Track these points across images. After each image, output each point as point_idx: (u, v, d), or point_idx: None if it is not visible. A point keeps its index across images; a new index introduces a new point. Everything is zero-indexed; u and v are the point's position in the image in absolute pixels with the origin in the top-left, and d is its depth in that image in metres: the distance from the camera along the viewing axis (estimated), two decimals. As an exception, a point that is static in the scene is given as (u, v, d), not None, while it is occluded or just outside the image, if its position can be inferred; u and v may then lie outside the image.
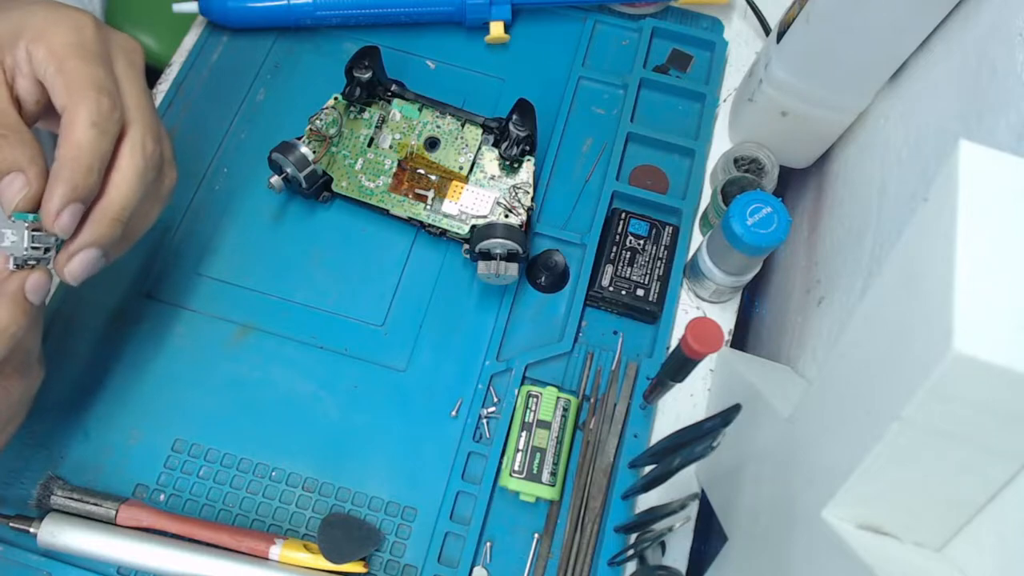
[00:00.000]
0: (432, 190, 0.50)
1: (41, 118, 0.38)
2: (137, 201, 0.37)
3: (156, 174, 0.38)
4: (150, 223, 0.40)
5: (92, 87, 0.34)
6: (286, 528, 0.45)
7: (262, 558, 0.43)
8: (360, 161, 0.51)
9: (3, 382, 0.37)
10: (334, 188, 0.51)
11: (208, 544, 0.43)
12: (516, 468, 0.45)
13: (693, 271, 0.50)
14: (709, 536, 0.54)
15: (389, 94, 0.52)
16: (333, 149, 0.51)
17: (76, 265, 0.35)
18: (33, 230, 0.34)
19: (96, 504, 0.43)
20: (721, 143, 0.57)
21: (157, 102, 0.56)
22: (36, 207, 0.34)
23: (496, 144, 0.51)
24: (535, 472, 0.45)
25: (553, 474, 0.45)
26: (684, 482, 0.45)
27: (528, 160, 0.50)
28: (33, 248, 0.34)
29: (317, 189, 0.51)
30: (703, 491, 0.45)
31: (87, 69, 0.34)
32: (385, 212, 0.51)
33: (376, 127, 0.52)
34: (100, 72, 0.35)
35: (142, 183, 0.37)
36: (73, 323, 0.49)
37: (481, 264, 0.47)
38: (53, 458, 0.46)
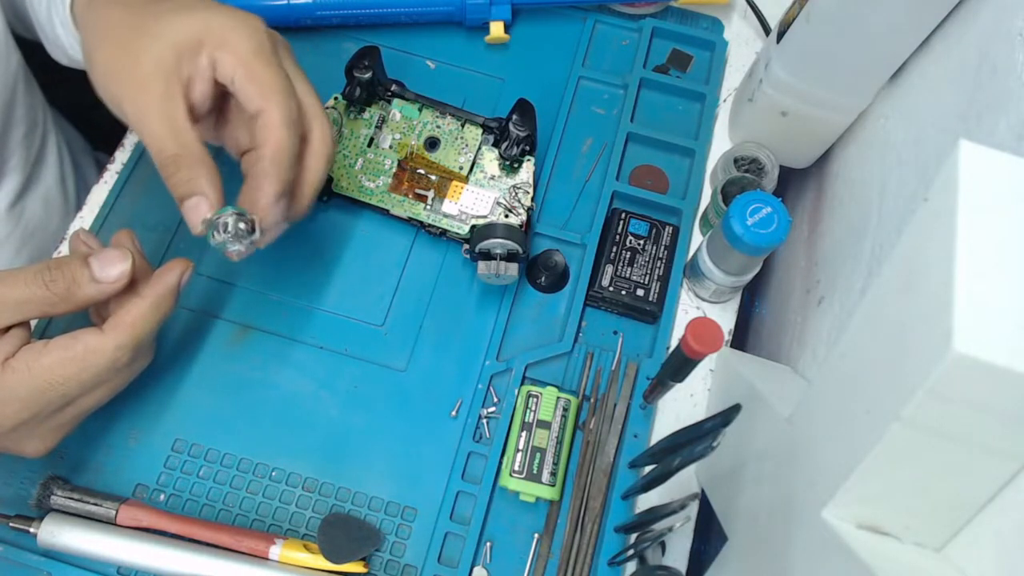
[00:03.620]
0: (432, 190, 0.50)
1: (207, 117, 0.41)
2: (319, 188, 0.42)
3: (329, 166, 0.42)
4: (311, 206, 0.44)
5: (281, 92, 0.38)
6: (286, 528, 0.45)
7: (262, 558, 0.43)
8: (360, 161, 0.51)
9: (140, 360, 0.42)
10: (334, 188, 0.51)
11: (208, 544, 0.43)
12: (516, 468, 0.45)
13: (693, 271, 0.50)
14: (709, 536, 0.54)
15: (389, 94, 0.52)
16: (333, 149, 0.51)
17: (268, 238, 0.40)
18: (238, 219, 0.37)
19: (96, 504, 0.43)
20: (721, 143, 0.57)
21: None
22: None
23: (496, 144, 0.51)
24: (535, 472, 0.45)
25: (553, 474, 0.45)
26: (684, 482, 0.45)
27: (528, 160, 0.50)
28: (237, 234, 0.37)
29: (317, 189, 0.51)
30: (703, 491, 0.45)
31: (273, 74, 0.38)
32: (385, 212, 0.51)
33: (376, 127, 0.52)
34: (282, 76, 0.38)
35: (327, 168, 0.41)
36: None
37: (481, 264, 0.47)
38: (53, 458, 0.46)
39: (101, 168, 0.54)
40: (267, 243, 0.40)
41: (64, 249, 0.51)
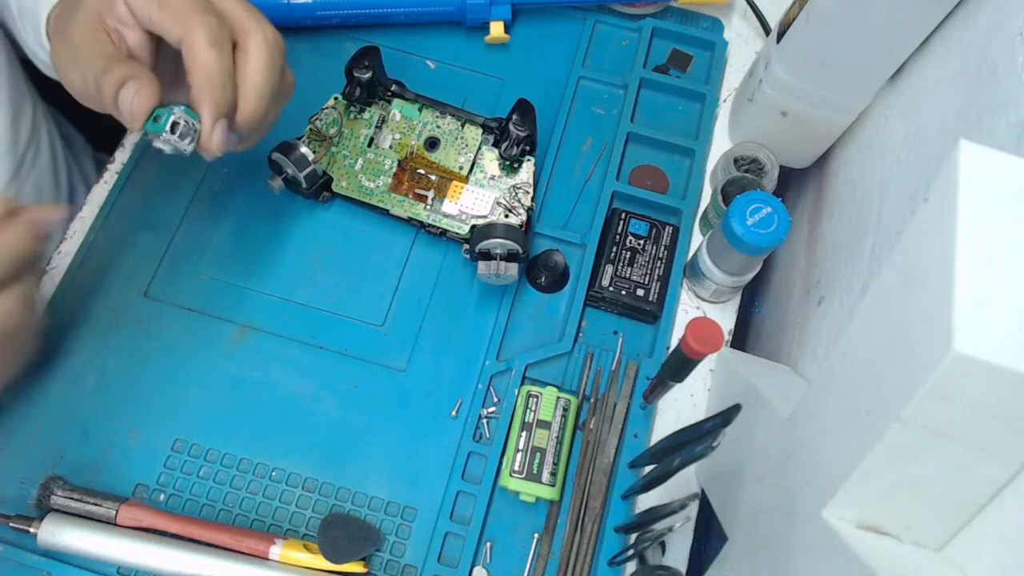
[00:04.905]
0: (432, 190, 0.50)
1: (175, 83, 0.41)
2: (270, 95, 0.39)
3: (280, 70, 0.40)
4: (277, 116, 0.43)
5: (196, 11, 0.36)
6: (286, 528, 0.45)
7: (262, 558, 0.43)
8: (360, 161, 0.51)
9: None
10: (334, 188, 0.51)
11: (208, 544, 0.43)
12: (516, 468, 0.45)
13: (693, 271, 0.50)
14: (709, 536, 0.54)
15: (389, 94, 0.52)
16: (333, 149, 0.51)
17: (216, 142, 0.38)
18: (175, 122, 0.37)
19: (96, 504, 0.43)
20: (721, 143, 0.57)
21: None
22: (159, 105, 0.37)
23: (496, 144, 0.51)
24: (535, 472, 0.45)
25: (553, 474, 0.45)
26: (684, 482, 0.45)
27: (528, 160, 0.50)
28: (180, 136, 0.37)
29: (317, 189, 0.51)
30: (703, 491, 0.45)
31: None
32: (385, 212, 0.51)
33: (376, 127, 0.52)
34: None
35: (271, 81, 0.39)
36: (73, 323, 0.49)
37: (481, 264, 0.47)
38: (53, 458, 0.46)
39: (101, 168, 0.54)
40: (218, 148, 0.39)
41: (61, 259, 0.51)
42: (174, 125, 0.37)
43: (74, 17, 0.39)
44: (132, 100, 0.36)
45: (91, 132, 0.71)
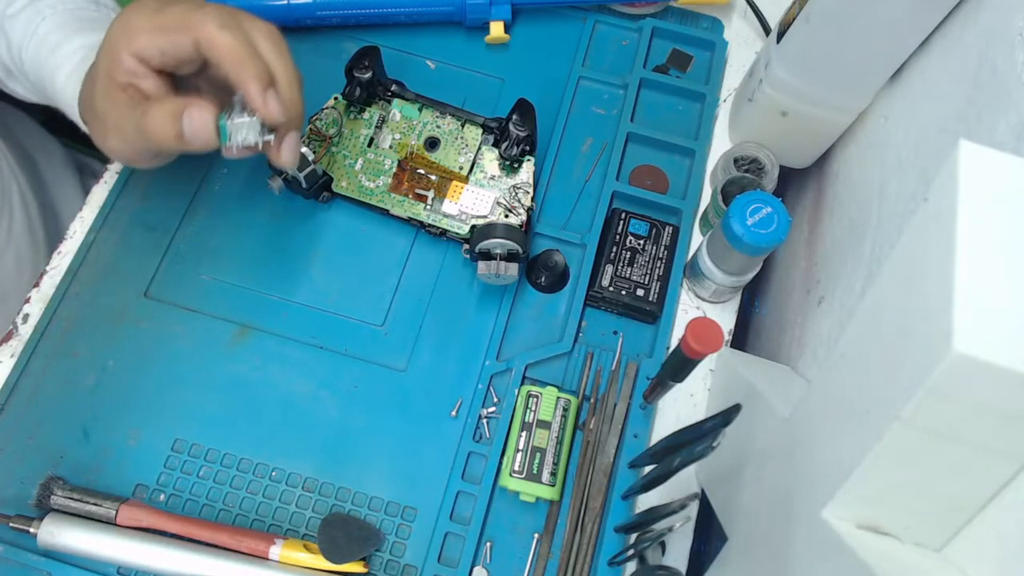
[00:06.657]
0: (432, 190, 0.50)
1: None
2: (291, 58, 0.42)
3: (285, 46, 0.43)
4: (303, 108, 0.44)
5: (194, 11, 0.39)
6: (286, 528, 0.45)
7: (262, 558, 0.43)
8: (360, 161, 0.51)
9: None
10: (334, 188, 0.51)
11: (208, 544, 0.43)
12: (516, 468, 0.45)
13: (693, 271, 0.50)
14: (709, 536, 0.54)
15: (389, 94, 0.52)
16: (333, 149, 0.51)
17: (287, 151, 0.42)
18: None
19: (96, 504, 0.43)
20: (721, 143, 0.57)
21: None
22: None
23: (496, 144, 0.51)
24: (535, 472, 0.45)
25: (553, 474, 0.45)
26: (684, 482, 0.45)
27: (528, 160, 0.50)
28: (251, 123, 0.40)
29: (317, 189, 0.51)
30: (703, 491, 0.45)
31: (183, 10, 0.39)
32: (385, 212, 0.51)
33: (376, 127, 0.52)
34: (189, 5, 0.39)
35: (285, 55, 0.42)
36: (73, 323, 0.49)
37: (481, 264, 0.47)
38: (53, 458, 0.46)
39: (81, 169, 0.53)
40: (290, 158, 0.42)
41: (61, 259, 0.51)
42: (235, 125, 0.39)
43: (94, 91, 0.40)
44: (192, 123, 0.38)
45: (58, 127, 0.68)
